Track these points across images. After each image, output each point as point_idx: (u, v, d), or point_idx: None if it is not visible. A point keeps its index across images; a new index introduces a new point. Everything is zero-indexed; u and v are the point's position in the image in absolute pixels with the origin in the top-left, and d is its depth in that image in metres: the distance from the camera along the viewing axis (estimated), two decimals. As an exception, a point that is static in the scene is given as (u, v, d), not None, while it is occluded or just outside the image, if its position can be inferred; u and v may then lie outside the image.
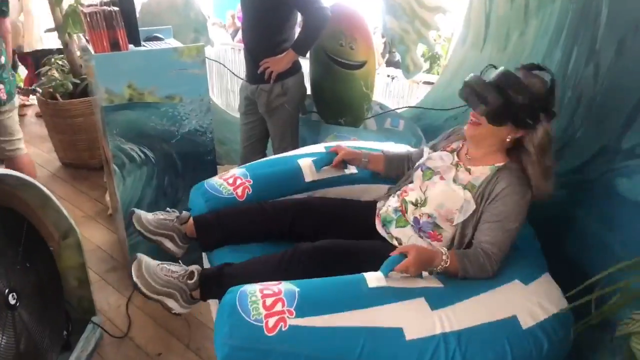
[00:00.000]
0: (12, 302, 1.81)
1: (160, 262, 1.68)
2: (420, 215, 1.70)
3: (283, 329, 1.34)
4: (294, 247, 1.66)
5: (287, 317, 1.36)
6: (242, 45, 3.79)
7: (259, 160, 2.11)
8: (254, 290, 1.43)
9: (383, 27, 2.58)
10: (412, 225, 1.73)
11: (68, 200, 3.59)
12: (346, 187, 2.03)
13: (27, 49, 4.93)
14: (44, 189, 2.01)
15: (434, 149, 1.84)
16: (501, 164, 1.63)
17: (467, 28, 2.28)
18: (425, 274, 1.55)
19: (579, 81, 1.76)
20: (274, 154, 2.80)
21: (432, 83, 3.17)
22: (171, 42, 2.55)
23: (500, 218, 1.56)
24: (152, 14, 3.32)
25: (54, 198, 2.05)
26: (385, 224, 1.80)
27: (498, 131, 1.58)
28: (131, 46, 2.29)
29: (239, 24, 6.75)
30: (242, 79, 2.87)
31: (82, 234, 2.18)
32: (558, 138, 1.82)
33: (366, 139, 2.76)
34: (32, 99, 5.37)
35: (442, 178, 1.70)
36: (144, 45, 2.39)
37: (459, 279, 1.55)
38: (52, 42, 4.79)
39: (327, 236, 1.73)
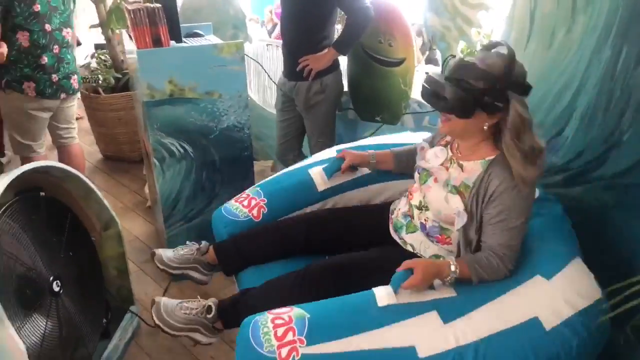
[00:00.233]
0: (56, 289, 1.88)
1: (179, 300, 1.77)
2: (425, 220, 1.68)
3: (296, 359, 1.36)
4: (304, 268, 1.69)
5: (299, 346, 1.37)
6: (279, 42, 3.82)
7: (271, 177, 2.13)
8: (265, 321, 1.45)
9: (424, 24, 2.55)
10: (420, 230, 1.71)
11: (108, 192, 3.68)
12: (362, 189, 2.02)
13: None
14: (88, 181, 2.07)
15: (431, 143, 1.80)
16: (492, 157, 1.56)
17: (510, 25, 2.24)
18: (437, 282, 1.52)
19: (627, 81, 1.70)
20: (311, 151, 2.81)
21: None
22: (211, 39, 2.59)
23: (502, 217, 1.50)
24: (193, 10, 3.37)
25: (96, 190, 2.11)
26: (397, 229, 1.79)
27: (471, 122, 1.51)
28: (172, 42, 2.33)
29: (276, 19, 6.78)
30: (273, 81, 2.89)
31: (122, 225, 2.24)
32: (604, 140, 1.77)
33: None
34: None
35: (435, 180, 1.65)
36: (184, 42, 2.43)
37: (474, 285, 1.51)
38: (95, 37, 4.93)
39: (342, 247, 1.78)
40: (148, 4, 2.24)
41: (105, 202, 2.14)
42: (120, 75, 4.10)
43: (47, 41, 2.71)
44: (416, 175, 1.76)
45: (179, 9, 2.55)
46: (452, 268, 1.49)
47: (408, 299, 1.47)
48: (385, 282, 1.51)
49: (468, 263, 1.51)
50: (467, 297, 1.48)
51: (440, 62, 2.64)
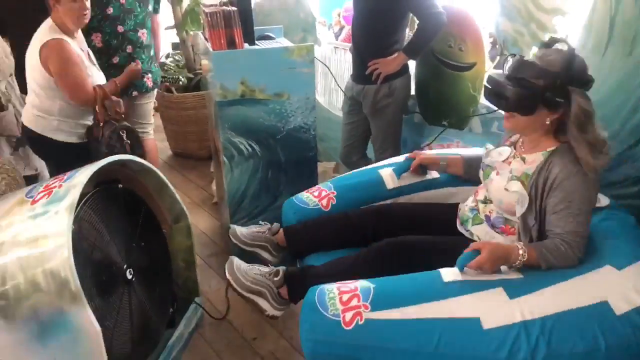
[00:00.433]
0: (129, 277, 1.98)
1: (250, 264, 1.85)
2: (490, 212, 1.72)
3: (359, 323, 1.39)
4: (371, 246, 1.74)
5: (363, 311, 1.41)
6: (346, 45, 3.84)
7: (342, 175, 2.19)
8: (331, 288, 1.51)
9: (495, 29, 2.51)
10: (485, 222, 1.74)
11: (177, 187, 3.78)
12: (431, 191, 2.06)
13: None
14: (162, 175, 2.17)
15: (498, 144, 1.85)
16: (552, 148, 1.58)
17: (589, 31, 2.16)
18: (504, 268, 1.52)
19: None
20: (375, 154, 2.82)
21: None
22: (282, 41, 2.64)
23: (565, 205, 1.50)
24: (264, 13, 3.46)
25: (169, 184, 2.21)
26: (463, 222, 1.82)
27: (534, 119, 1.55)
28: (245, 44, 2.41)
29: (344, 22, 6.82)
30: (339, 86, 2.91)
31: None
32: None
33: (471, 142, 2.71)
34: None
35: (497, 173, 1.70)
36: (257, 44, 2.50)
37: (542, 270, 1.50)
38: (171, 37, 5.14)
39: None
40: (225, 7, 2.32)
41: (178, 196, 2.24)
42: (192, 75, 4.26)
43: (119, 42, 2.86)
44: (481, 172, 1.80)
45: (252, 12, 2.63)
46: (520, 252, 1.50)
47: (473, 277, 1.48)
48: (450, 266, 1.53)
49: (536, 248, 1.52)
50: (534, 278, 1.48)
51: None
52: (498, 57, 2.53)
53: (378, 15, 2.52)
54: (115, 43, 2.92)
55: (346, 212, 1.96)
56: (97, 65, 2.72)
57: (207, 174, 4.00)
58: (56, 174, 1.89)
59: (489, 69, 2.46)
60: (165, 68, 4.37)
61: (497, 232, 1.71)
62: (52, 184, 1.78)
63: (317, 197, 2.06)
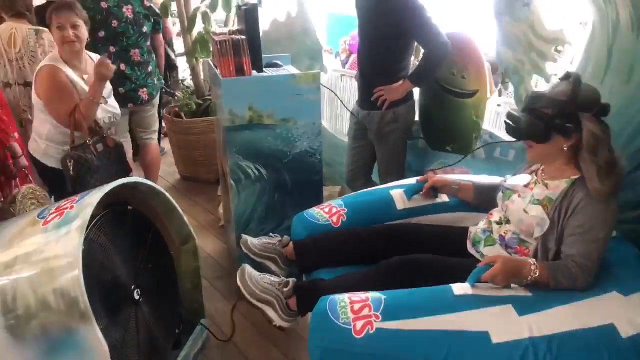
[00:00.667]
0: (137, 297, 2.01)
1: (262, 273, 1.87)
2: (505, 232, 1.76)
3: (370, 332, 1.41)
4: (381, 262, 1.77)
5: (374, 320, 1.43)
6: (352, 73, 3.92)
7: (353, 194, 2.23)
8: (343, 297, 1.53)
9: (497, 57, 2.56)
10: (499, 243, 1.77)
11: (185, 210, 3.78)
12: (440, 215, 2.09)
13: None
14: (171, 198, 2.22)
15: (515, 173, 1.90)
16: (577, 176, 1.64)
17: (587, 60, 2.21)
18: (514, 286, 1.55)
19: None
20: (380, 178, 2.86)
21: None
22: (289, 69, 2.72)
23: (584, 229, 1.55)
24: (272, 42, 3.54)
25: (178, 207, 2.25)
26: (475, 244, 1.85)
27: (551, 146, 1.64)
28: (254, 72, 2.48)
29: (350, 50, 6.93)
30: (348, 110, 2.97)
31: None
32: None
33: (474, 167, 2.74)
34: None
35: (519, 196, 1.75)
36: (265, 72, 2.57)
37: (549, 290, 1.53)
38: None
39: None
40: (234, 36, 2.40)
41: (185, 218, 2.28)
42: (201, 102, 4.34)
43: (112, 61, 2.93)
44: (499, 195, 1.85)
45: (260, 41, 2.71)
46: (533, 267, 1.54)
47: (484, 292, 1.51)
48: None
49: (548, 266, 1.56)
50: (543, 297, 1.51)
51: (512, 95, 2.64)
52: (500, 85, 2.61)
53: (383, 43, 2.58)
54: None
55: (357, 230, 1.98)
56: (110, 93, 2.77)
57: (214, 197, 4.05)
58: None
59: (492, 97, 2.50)
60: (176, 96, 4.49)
61: (510, 252, 1.74)
62: (64, 205, 1.84)
63: (328, 213, 2.09)
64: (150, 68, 3.49)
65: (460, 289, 1.52)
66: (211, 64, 2.86)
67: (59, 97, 2.49)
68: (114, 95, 2.84)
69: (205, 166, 4.36)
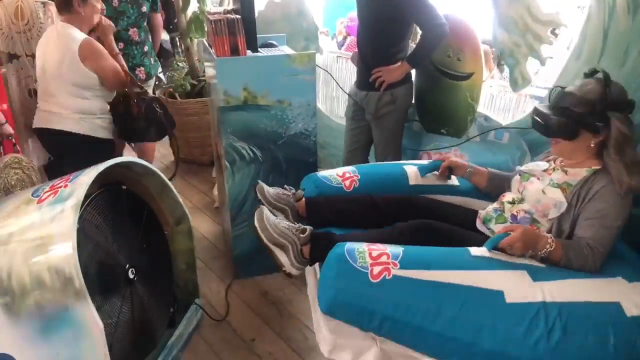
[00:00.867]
0: (131, 276, 2.02)
1: (278, 218, 1.85)
2: (517, 211, 1.78)
3: (387, 277, 1.44)
4: (394, 225, 1.80)
5: (392, 267, 1.46)
6: (348, 54, 3.90)
7: (367, 164, 2.24)
8: (360, 244, 1.56)
9: (493, 40, 2.56)
10: (510, 221, 1.79)
11: (179, 191, 3.83)
12: (449, 196, 2.10)
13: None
14: (164, 177, 2.22)
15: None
16: (598, 167, 1.68)
17: (583, 43, 2.21)
18: (528, 259, 1.59)
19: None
20: (376, 160, 2.87)
21: (540, 97, 3.09)
22: (284, 49, 2.70)
23: (600, 214, 1.60)
24: (267, 22, 3.52)
25: (172, 186, 2.25)
26: (485, 221, 1.88)
27: (578, 142, 1.68)
28: (248, 52, 2.46)
29: (346, 32, 6.89)
30: (345, 91, 2.96)
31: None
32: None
33: (468, 150, 2.75)
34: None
35: (538, 178, 1.79)
36: (260, 52, 2.56)
37: (560, 267, 1.57)
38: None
39: None
40: (229, 15, 2.38)
41: (180, 198, 2.28)
42: (196, 82, 4.32)
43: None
44: (516, 177, 1.88)
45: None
46: (550, 241, 1.58)
47: (500, 257, 1.54)
48: None
49: (562, 243, 1.60)
50: (556, 269, 1.55)
51: (507, 78, 2.63)
52: (495, 68, 2.60)
53: (382, 25, 2.57)
54: None
55: (371, 196, 2.00)
56: None
57: (208, 179, 4.05)
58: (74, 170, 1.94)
59: (491, 79, 2.50)
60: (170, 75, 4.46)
61: None
62: (58, 184, 1.83)
63: (341, 176, 2.10)
64: (146, 48, 3.51)
65: (477, 250, 1.56)
66: (205, 43, 2.84)
67: (111, 61, 2.61)
68: None
69: (199, 147, 4.36)
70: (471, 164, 2.10)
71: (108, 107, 2.68)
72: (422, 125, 2.98)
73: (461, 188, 2.13)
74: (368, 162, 3.01)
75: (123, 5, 3.32)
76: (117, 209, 2.03)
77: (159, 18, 3.84)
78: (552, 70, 2.76)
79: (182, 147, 4.46)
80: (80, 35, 2.55)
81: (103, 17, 2.69)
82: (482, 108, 2.82)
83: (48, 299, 1.60)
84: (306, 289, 2.04)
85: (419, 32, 2.63)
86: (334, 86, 4.12)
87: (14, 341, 1.61)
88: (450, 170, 2.11)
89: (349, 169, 2.15)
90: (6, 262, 1.63)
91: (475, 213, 1.97)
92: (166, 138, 2.95)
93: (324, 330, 1.54)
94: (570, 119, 1.64)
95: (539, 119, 1.72)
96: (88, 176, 1.79)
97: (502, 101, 3.64)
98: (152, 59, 3.58)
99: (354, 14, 2.96)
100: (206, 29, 3.67)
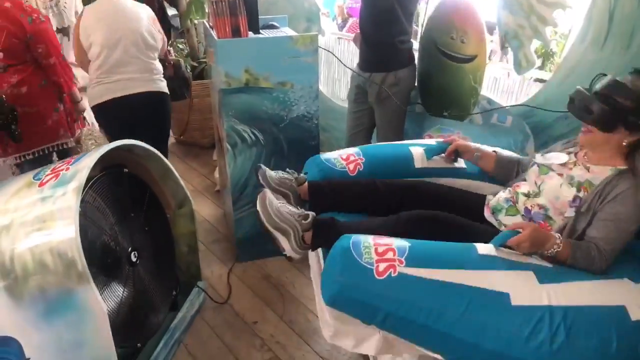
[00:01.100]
0: (134, 259, 2.03)
1: (281, 202, 1.81)
2: (532, 205, 1.73)
3: (392, 275, 1.42)
4: (399, 214, 1.75)
5: (398, 264, 1.44)
6: (350, 35, 3.86)
7: (372, 144, 2.19)
8: (367, 238, 1.54)
9: (497, 22, 2.53)
10: (522, 214, 1.75)
11: (180, 175, 3.85)
12: (455, 179, 2.07)
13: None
14: (166, 161, 2.21)
15: (550, 150, 1.86)
16: (623, 167, 1.61)
17: (588, 25, 2.18)
18: (534, 257, 1.57)
19: None
20: (378, 142, 2.85)
21: (544, 80, 3.06)
22: (286, 31, 2.67)
23: (617, 217, 1.55)
24: (268, 3, 3.47)
25: (174, 170, 2.25)
26: (495, 211, 1.84)
27: (611, 137, 1.60)
28: (250, 33, 2.43)
29: (347, 14, 6.82)
30: (350, 69, 2.93)
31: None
32: None
33: (471, 133, 2.74)
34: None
35: (559, 174, 1.71)
36: (261, 33, 2.53)
37: (567, 267, 1.55)
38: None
39: None
40: (230, -4, 2.35)
41: (181, 181, 2.28)
42: (196, 64, 4.28)
43: None
44: (534, 168, 1.81)
45: (257, 1, 2.66)
46: (557, 242, 1.54)
47: (507, 256, 1.52)
48: None
49: (570, 244, 1.56)
50: (563, 270, 1.53)
51: (511, 61, 2.60)
52: (500, 51, 2.56)
53: (385, 5, 2.54)
54: None
55: (375, 181, 1.95)
56: None
57: (209, 162, 4.04)
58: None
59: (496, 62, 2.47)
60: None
61: None
62: (59, 167, 1.82)
63: (345, 160, 2.06)
64: None
65: (484, 248, 1.53)
66: (206, 25, 2.81)
67: None
68: None
69: (200, 130, 4.33)
70: (479, 147, 2.06)
71: None
72: (424, 108, 2.96)
73: (468, 171, 2.10)
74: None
75: None
76: (119, 192, 2.03)
77: None
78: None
79: (183, 129, 4.45)
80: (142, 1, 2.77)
81: None
82: (485, 91, 2.80)
83: (51, 282, 1.60)
84: (308, 271, 2.04)
85: (421, 12, 2.60)
86: (336, 68, 4.08)
87: (17, 324, 1.62)
88: (457, 153, 2.08)
89: (354, 151, 2.10)
90: (9, 245, 1.63)
91: (483, 198, 1.93)
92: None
93: (327, 316, 1.53)
94: (614, 109, 1.55)
95: (579, 101, 1.62)
96: (90, 159, 1.78)
97: (505, 84, 3.61)
98: None
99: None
100: (207, 10, 3.63)
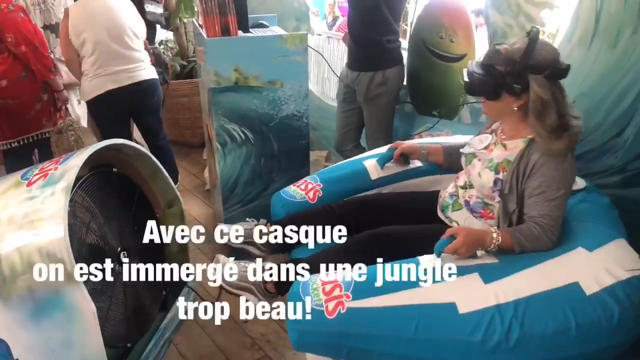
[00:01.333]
0: (123, 259, 2.01)
1: (236, 261, 1.86)
2: (469, 197, 1.75)
3: (342, 312, 1.44)
4: (352, 238, 1.76)
5: (345, 300, 1.46)
6: (340, 34, 3.87)
7: (327, 168, 2.22)
8: (315, 279, 1.56)
9: (485, 21, 2.55)
10: (464, 208, 1.77)
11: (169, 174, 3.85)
12: (414, 180, 2.10)
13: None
14: (156, 160, 2.20)
15: (479, 132, 1.87)
16: (532, 135, 1.60)
17: (575, 24, 2.21)
18: (480, 252, 1.57)
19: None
20: (367, 142, 2.87)
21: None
22: (276, 30, 2.67)
23: (542, 189, 1.55)
24: (258, 1, 3.46)
25: (163, 169, 2.23)
26: (443, 209, 1.86)
27: (501, 104, 1.61)
28: (239, 32, 2.43)
29: (337, 13, 6.84)
30: (335, 74, 2.94)
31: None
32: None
33: (460, 132, 2.75)
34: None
35: (479, 160, 1.73)
36: (251, 32, 2.52)
37: (516, 254, 1.55)
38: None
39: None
40: (219, -6, 2.34)
41: (171, 181, 2.27)
42: (185, 63, 4.26)
43: None
44: (463, 159, 1.83)
45: (245, 0, 2.66)
46: (494, 235, 1.54)
47: (451, 262, 1.52)
48: (430, 254, 1.57)
49: (510, 232, 1.56)
50: (509, 262, 1.53)
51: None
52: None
53: (373, 4, 2.55)
54: None
55: (330, 205, 1.98)
56: None
57: (199, 161, 4.03)
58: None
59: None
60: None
61: (476, 216, 1.75)
62: (48, 166, 1.81)
63: (304, 190, 2.08)
64: None
65: (427, 260, 1.54)
66: (196, 23, 2.80)
67: None
68: None
69: (190, 129, 4.32)
70: (424, 144, 2.08)
71: None
72: (414, 107, 2.97)
73: (424, 168, 2.11)
74: (360, 144, 3.01)
75: None
76: (108, 191, 2.02)
77: None
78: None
79: (172, 128, 4.42)
80: None
81: None
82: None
83: (39, 282, 1.59)
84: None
85: (409, 11, 2.62)
86: (326, 67, 4.09)
87: (5, 325, 1.61)
88: (405, 156, 2.09)
89: (311, 179, 2.12)
90: (-4, 245, 1.62)
91: (435, 196, 1.94)
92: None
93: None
94: (491, 77, 1.56)
95: (468, 75, 1.63)
96: (79, 158, 1.77)
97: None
98: None
99: (345, -6, 2.94)
100: (196, 9, 3.62)
